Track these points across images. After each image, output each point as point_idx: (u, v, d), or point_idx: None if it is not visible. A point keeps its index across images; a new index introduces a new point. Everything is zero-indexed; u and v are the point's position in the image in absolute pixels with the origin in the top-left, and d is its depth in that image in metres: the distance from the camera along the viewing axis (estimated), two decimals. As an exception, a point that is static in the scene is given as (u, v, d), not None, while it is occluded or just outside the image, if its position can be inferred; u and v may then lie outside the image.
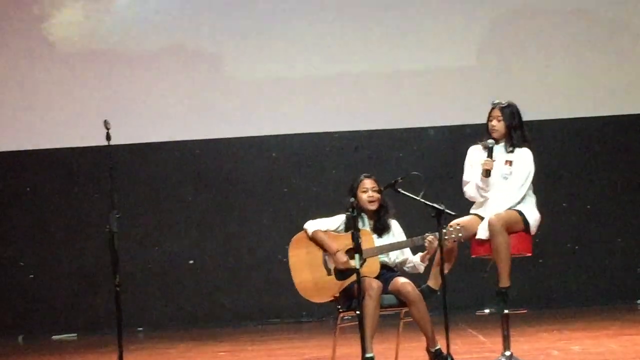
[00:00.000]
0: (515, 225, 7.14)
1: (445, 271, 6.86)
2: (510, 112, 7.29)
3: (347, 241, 6.91)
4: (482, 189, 7.19)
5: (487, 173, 7.15)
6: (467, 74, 11.69)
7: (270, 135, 11.74)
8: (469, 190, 7.27)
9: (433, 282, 7.16)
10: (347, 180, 7.35)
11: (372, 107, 11.71)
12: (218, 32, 11.70)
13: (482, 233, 7.13)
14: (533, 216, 7.22)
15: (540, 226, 7.29)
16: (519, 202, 7.21)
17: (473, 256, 7.37)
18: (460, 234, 6.92)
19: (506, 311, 7.21)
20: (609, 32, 11.71)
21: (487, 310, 7.28)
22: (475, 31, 11.74)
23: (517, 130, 7.27)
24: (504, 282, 7.15)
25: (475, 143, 7.36)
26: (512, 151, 7.25)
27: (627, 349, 8.19)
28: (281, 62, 11.70)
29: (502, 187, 7.21)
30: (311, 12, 11.70)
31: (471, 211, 7.32)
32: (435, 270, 7.07)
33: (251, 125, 11.68)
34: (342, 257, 6.95)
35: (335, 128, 11.74)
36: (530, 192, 7.27)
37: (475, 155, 7.30)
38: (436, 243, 6.84)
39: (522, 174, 7.21)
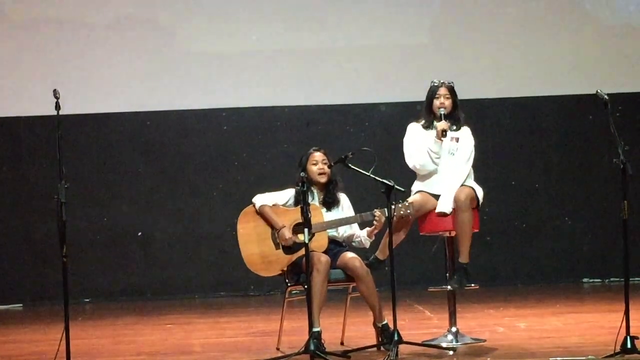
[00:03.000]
0: (472, 201, 7.23)
1: (395, 244, 6.91)
2: (454, 91, 7.39)
3: (296, 215, 6.94)
4: (435, 153, 7.24)
5: (443, 133, 7.20)
6: (420, 51, 11.70)
7: (222, 108, 11.69)
8: (419, 159, 7.28)
9: (381, 253, 7.21)
10: (298, 154, 7.37)
11: (324, 82, 11.69)
12: (171, 3, 11.60)
13: (446, 207, 7.18)
14: (480, 192, 7.32)
15: (488, 203, 7.36)
16: (466, 178, 7.30)
17: (422, 233, 7.41)
18: (409, 210, 6.97)
19: (469, 286, 7.28)
20: (559, 11, 11.76)
21: (447, 287, 7.33)
22: (428, 8, 11.75)
23: (458, 109, 7.39)
24: (465, 257, 7.22)
25: (415, 120, 7.43)
26: (458, 129, 7.34)
27: (572, 327, 8.29)
28: (233, 35, 11.64)
29: (449, 163, 7.28)
30: (265, -15, 11.65)
31: (417, 188, 7.34)
32: (385, 241, 7.11)
33: (202, 97, 11.62)
34: (287, 234, 6.98)
35: (287, 102, 11.72)
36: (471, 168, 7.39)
37: (416, 129, 7.36)
38: (384, 219, 6.87)
39: (467, 149, 7.33)
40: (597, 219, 11.65)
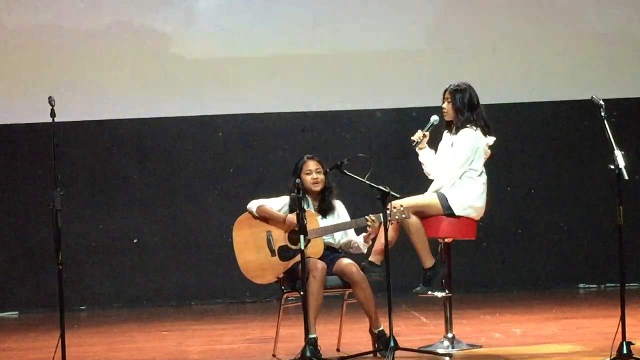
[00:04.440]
0: (426, 208, 7.15)
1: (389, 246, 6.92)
2: (459, 94, 7.32)
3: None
4: (422, 163, 7.31)
5: (413, 144, 7.25)
6: (415, 57, 11.69)
7: (217, 115, 11.68)
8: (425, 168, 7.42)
9: (374, 257, 7.20)
10: (294, 161, 7.36)
11: (319, 88, 11.69)
12: (166, 10, 11.61)
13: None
14: (458, 200, 7.20)
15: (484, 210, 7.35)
16: (452, 183, 7.25)
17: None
18: (403, 215, 6.96)
19: (443, 294, 7.28)
20: (556, 17, 11.78)
21: (439, 293, 7.33)
22: (424, 14, 11.75)
23: (466, 112, 7.31)
24: (424, 263, 7.22)
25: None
26: (456, 133, 7.31)
27: (568, 332, 8.29)
28: (229, 41, 11.63)
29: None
30: (260, -8, 11.66)
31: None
32: (377, 246, 7.11)
33: (198, 104, 11.62)
34: (293, 218, 6.90)
35: (283, 109, 11.72)
36: (474, 175, 7.29)
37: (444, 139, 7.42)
38: (378, 223, 6.88)
39: (456, 154, 7.24)
40: (592, 224, 11.65)
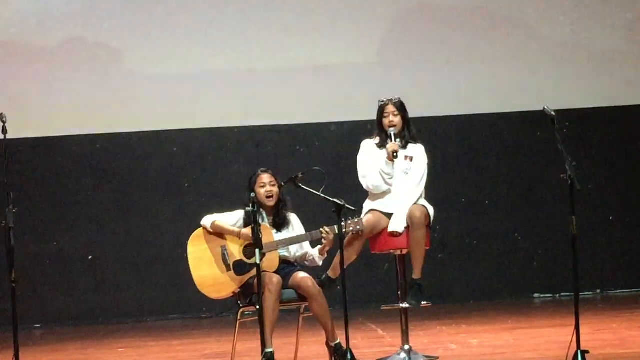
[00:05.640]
0: (426, 219, 7.23)
1: (347, 264, 6.90)
2: (404, 107, 7.36)
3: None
4: (387, 174, 7.21)
5: (394, 155, 7.18)
6: (368, 70, 11.74)
7: (171, 130, 11.65)
8: (371, 181, 7.26)
9: (332, 272, 7.19)
10: (249, 175, 7.34)
11: (273, 102, 11.70)
12: (119, 25, 11.57)
13: (398, 226, 7.16)
14: (432, 210, 7.31)
15: (440, 221, 7.38)
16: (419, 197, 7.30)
17: (373, 252, 7.41)
18: (358, 227, 6.96)
19: (423, 303, 7.28)
20: (506, 29, 11.87)
21: (399, 305, 7.32)
22: (376, 27, 11.80)
23: (410, 125, 7.37)
24: (418, 274, 7.23)
25: (368, 137, 7.42)
26: (406, 147, 7.32)
27: (523, 342, 8.33)
28: (183, 57, 11.63)
29: (403, 182, 7.27)
30: (212, 7, 11.64)
31: (369, 207, 7.33)
32: (336, 260, 7.10)
33: (152, 119, 11.59)
34: (248, 232, 6.87)
35: (237, 123, 11.71)
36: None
37: (370, 147, 7.34)
38: (332, 236, 6.87)
39: (420, 169, 7.30)
40: (546, 234, 11.74)
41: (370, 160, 7.28)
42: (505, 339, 8.51)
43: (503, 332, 8.97)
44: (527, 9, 11.93)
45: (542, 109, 6.71)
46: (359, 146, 7.43)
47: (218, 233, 7.08)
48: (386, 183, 7.24)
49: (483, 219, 11.86)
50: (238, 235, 7.00)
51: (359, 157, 7.38)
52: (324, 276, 7.21)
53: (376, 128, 7.39)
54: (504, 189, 11.90)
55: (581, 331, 6.38)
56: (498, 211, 11.87)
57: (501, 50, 11.85)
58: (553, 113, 6.65)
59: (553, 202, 11.52)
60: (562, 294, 11.72)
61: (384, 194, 7.30)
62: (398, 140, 7.30)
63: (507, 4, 11.91)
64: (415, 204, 7.22)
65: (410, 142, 7.34)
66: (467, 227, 11.80)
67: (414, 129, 7.40)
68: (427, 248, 7.30)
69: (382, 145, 7.30)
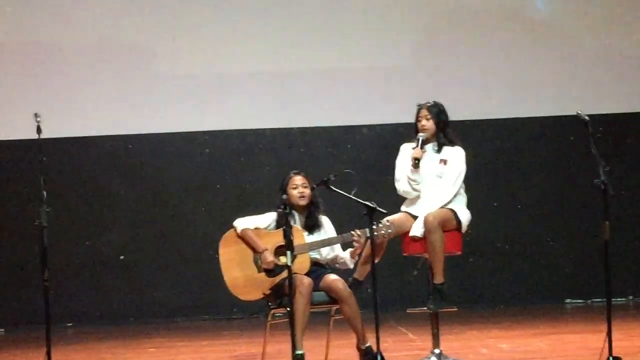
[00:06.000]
0: (448, 223, 7.18)
1: (367, 264, 6.89)
2: (438, 111, 7.33)
3: (277, 238, 6.92)
4: (413, 180, 7.20)
5: (416, 162, 7.17)
6: (402, 73, 11.73)
7: (204, 131, 11.69)
8: (402, 186, 7.28)
9: (358, 274, 7.19)
10: (281, 177, 7.35)
11: (306, 104, 11.71)
12: (152, 25, 11.61)
13: (417, 230, 7.15)
14: (465, 215, 7.26)
15: (471, 225, 7.34)
16: (451, 201, 7.25)
17: (405, 254, 7.39)
18: (389, 230, 6.95)
19: (444, 308, 7.25)
20: (541, 34, 11.83)
21: (425, 308, 7.29)
22: (410, 31, 11.79)
23: (446, 128, 7.33)
24: (439, 278, 7.19)
25: (407, 141, 7.39)
26: (440, 150, 7.29)
27: (555, 348, 8.29)
28: (216, 58, 11.65)
29: (436, 186, 7.25)
30: (247, 9, 11.66)
31: (402, 209, 7.34)
32: (361, 262, 7.10)
33: (185, 121, 11.62)
34: (269, 257, 6.96)
35: (269, 125, 11.73)
36: (462, 191, 7.32)
37: (407, 152, 7.32)
38: (364, 239, 6.87)
39: (454, 172, 7.26)
40: (578, 239, 11.68)
41: (404, 164, 7.28)
42: (536, 345, 8.48)
43: (534, 338, 8.94)
44: (562, 14, 11.88)
45: (576, 113, 6.69)
46: (391, 149, 7.42)
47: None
48: (413, 189, 7.23)
49: (515, 223, 11.82)
50: (260, 253, 7.01)
51: (396, 160, 7.38)
52: (350, 279, 7.20)
53: (414, 131, 7.38)
54: (537, 193, 11.85)
55: (613, 337, 6.35)
56: (530, 215, 11.83)
57: (536, 54, 11.80)
58: (587, 118, 6.62)
59: (586, 207, 11.45)
60: (594, 299, 11.66)
61: (416, 197, 7.28)
62: (429, 145, 7.27)
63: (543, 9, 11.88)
64: (444, 207, 7.19)
65: (447, 145, 7.29)
66: (498, 231, 11.76)
67: (450, 132, 7.34)
68: (458, 253, 7.27)
69: (416, 140, 7.30)
